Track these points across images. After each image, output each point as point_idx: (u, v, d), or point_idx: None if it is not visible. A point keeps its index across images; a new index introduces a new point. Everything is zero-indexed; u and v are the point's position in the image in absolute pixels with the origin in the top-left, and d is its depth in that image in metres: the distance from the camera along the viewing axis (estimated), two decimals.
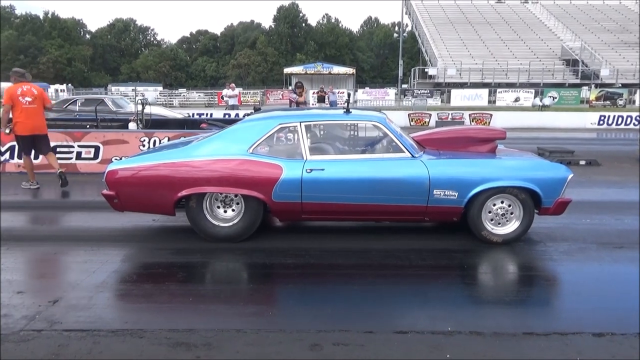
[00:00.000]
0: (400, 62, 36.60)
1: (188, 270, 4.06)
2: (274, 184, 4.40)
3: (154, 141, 8.06)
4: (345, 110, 4.86)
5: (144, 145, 8.03)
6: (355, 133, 5.34)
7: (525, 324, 3.14)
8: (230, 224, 4.62)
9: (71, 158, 8.14)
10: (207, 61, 74.96)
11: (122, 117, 11.52)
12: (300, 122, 4.63)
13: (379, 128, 4.72)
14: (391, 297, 3.57)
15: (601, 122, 19.36)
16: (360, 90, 32.32)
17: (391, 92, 31.84)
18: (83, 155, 8.12)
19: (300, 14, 75.21)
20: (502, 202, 4.58)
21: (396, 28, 71.50)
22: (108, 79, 68.81)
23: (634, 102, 27.76)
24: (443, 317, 3.21)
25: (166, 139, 8.07)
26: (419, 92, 29.08)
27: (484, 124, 18.76)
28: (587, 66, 33.61)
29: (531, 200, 4.56)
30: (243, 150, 4.50)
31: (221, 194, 4.60)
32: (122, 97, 19.82)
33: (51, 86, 53.08)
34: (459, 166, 4.60)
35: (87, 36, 78.38)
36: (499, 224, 4.61)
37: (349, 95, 6.01)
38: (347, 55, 71.01)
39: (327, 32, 73.87)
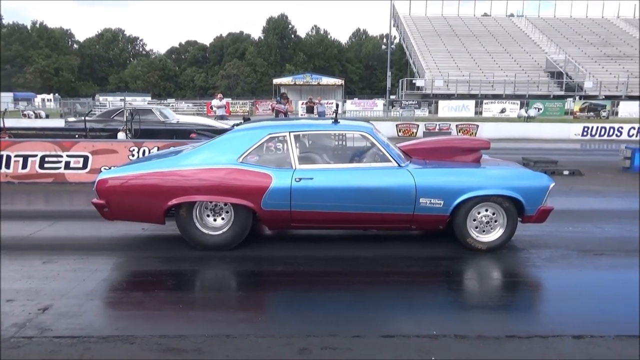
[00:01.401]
0: (389, 73, 36.96)
1: (177, 278, 4.10)
2: (263, 192, 4.45)
3: (144, 151, 8.08)
4: (333, 120, 4.95)
5: (133, 155, 8.05)
6: (343, 143, 5.44)
7: (508, 328, 3.23)
8: (220, 232, 4.66)
9: (59, 168, 8.12)
10: (196, 71, 74.92)
11: (170, 127, 11.50)
12: (290, 132, 4.70)
13: (367, 138, 4.82)
14: (378, 302, 3.64)
15: (585, 133, 19.73)
16: (348, 101, 32.60)
17: (379, 103, 32.16)
18: (72, 165, 8.10)
19: (290, 26, 75.70)
20: (486, 210, 4.68)
21: (384, 40, 72.30)
22: (96, 88, 68.39)
23: (616, 113, 28.35)
24: (429, 322, 3.29)
25: (155, 148, 8.09)
26: (407, 103, 29.41)
27: (470, 135, 19.01)
28: (571, 78, 34.28)
29: (514, 208, 4.67)
30: (233, 159, 4.56)
31: (211, 202, 4.65)
32: (166, 107, 19.86)
33: (38, 96, 52.73)
34: (445, 175, 4.71)
35: (75, 46, 78.02)
36: (484, 231, 4.71)
37: (337, 105, 6.11)
38: (336, 66, 71.50)
39: (316, 43, 74.38)
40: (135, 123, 10.08)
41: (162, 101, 44.53)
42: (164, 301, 3.62)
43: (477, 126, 19.99)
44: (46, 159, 8.04)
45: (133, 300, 3.66)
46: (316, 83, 39.88)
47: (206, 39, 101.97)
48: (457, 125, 19.96)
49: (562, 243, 5.07)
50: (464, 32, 43.55)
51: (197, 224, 4.65)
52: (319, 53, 72.49)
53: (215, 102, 18.68)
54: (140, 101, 42.52)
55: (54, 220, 5.85)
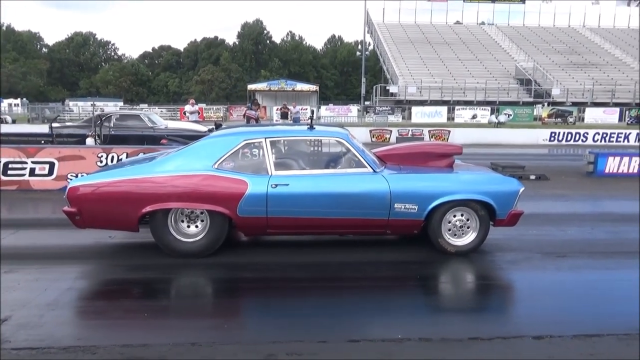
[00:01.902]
0: (363, 79, 37.28)
1: (143, 286, 4.05)
2: (239, 199, 4.43)
3: (112, 157, 7.94)
4: (309, 126, 4.97)
5: (101, 162, 7.90)
6: (319, 149, 5.46)
7: (472, 330, 3.30)
8: (196, 239, 4.61)
9: (24, 175, 7.90)
10: (170, 77, 74.11)
11: (159, 133, 11.31)
12: (265, 138, 4.69)
13: (342, 144, 4.85)
14: (346, 307, 3.67)
15: (552, 139, 20.29)
16: (323, 107, 32.73)
17: (354, 108, 32.41)
18: (37, 172, 7.89)
19: (265, 31, 75.68)
20: (460, 215, 4.78)
21: (359, 46, 72.92)
22: (65, 93, 66.89)
23: (583, 119, 29.24)
24: (395, 326, 3.33)
25: (125, 154, 7.97)
26: (381, 109, 29.71)
27: (442, 140, 19.32)
28: (539, 85, 35.23)
29: (486, 212, 4.78)
30: (208, 165, 4.52)
31: (186, 209, 4.60)
32: (154, 113, 19.41)
33: (4, 100, 51.18)
34: (419, 180, 4.79)
35: (44, 50, 76.21)
36: (457, 235, 4.80)
37: (312, 112, 6.12)
38: (311, 72, 71.75)
39: (292, 49, 74.57)
40: (105, 128, 9.90)
41: (135, 107, 43.83)
42: (129, 310, 3.56)
43: (449, 132, 20.33)
44: (10, 166, 7.82)
45: (97, 309, 3.60)
46: (291, 89, 39.94)
47: (180, 44, 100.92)
48: (429, 131, 20.26)
49: (525, 246, 5.21)
50: (436, 39, 44.31)
51: (172, 231, 4.60)
52: (294, 59, 72.67)
53: (188, 107, 18.55)
54: (111, 106, 41.76)
55: (17, 228, 5.69)
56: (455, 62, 39.73)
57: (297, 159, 5.04)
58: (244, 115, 9.45)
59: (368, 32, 46.75)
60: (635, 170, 10.43)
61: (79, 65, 75.61)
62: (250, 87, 42.38)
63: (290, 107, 23.10)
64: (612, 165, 10.53)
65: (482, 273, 4.56)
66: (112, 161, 7.89)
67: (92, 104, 38.33)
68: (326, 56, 79.53)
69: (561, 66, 39.18)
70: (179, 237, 4.60)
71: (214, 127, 9.86)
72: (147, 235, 4.71)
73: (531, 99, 33.85)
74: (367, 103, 35.94)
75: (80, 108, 37.16)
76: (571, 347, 3.12)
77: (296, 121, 22.00)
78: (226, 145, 4.66)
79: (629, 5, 47.74)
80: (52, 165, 7.89)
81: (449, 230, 4.78)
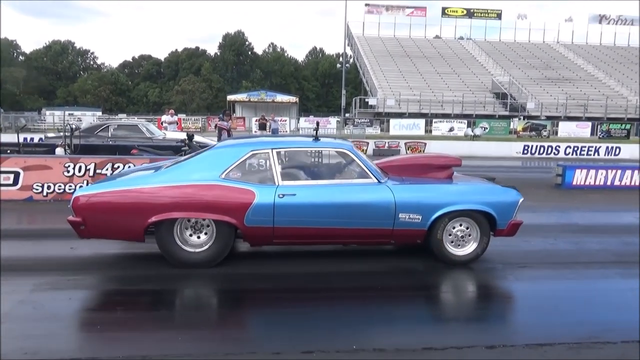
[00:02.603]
0: (343, 91, 37.60)
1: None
2: (246, 209, 4.44)
3: (79, 167, 7.83)
4: (314, 137, 5.05)
5: (68, 172, 7.78)
6: (324, 160, 5.52)
7: (426, 340, 3.32)
8: (202, 249, 4.59)
9: None
10: (150, 86, 73.52)
11: (158, 144, 11.18)
12: (272, 149, 4.74)
13: (347, 155, 4.93)
14: (303, 319, 3.68)
15: (525, 152, 20.71)
16: (302, 119, 32.83)
17: (333, 120, 32.61)
18: (1, 181, 7.72)
19: (246, 42, 75.85)
20: (461, 225, 4.87)
21: (340, 59, 73.61)
22: (42, 102, 65.71)
23: (556, 133, 29.90)
24: (349, 336, 3.34)
25: (93, 164, 7.88)
26: (359, 121, 29.92)
27: (418, 152, 19.53)
28: (515, 99, 35.97)
29: (487, 222, 4.88)
30: (215, 175, 4.53)
31: (192, 219, 4.58)
32: (151, 122, 19.10)
33: None
34: (423, 191, 4.88)
35: (21, 58, 74.96)
36: (459, 245, 4.90)
37: (317, 123, 6.18)
38: (292, 84, 72.04)
39: (273, 60, 74.81)
40: (76, 138, 9.76)
41: (114, 116, 43.31)
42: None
43: (425, 144, 20.59)
44: None
45: (50, 318, 3.52)
46: (271, 100, 40.03)
47: (161, 54, 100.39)
48: (405, 143, 20.48)
49: (488, 257, 5.26)
50: (415, 53, 45.00)
51: (178, 242, 4.57)
52: (275, 70, 72.91)
53: (166, 117, 18.38)
54: (89, 116, 41.14)
55: None
56: (433, 75, 40.37)
57: (303, 169, 5.12)
58: (216, 126, 9.40)
59: (348, 45, 47.29)
60: (602, 183, 10.71)
61: (56, 74, 74.48)
62: (230, 97, 42.35)
63: (269, 119, 23.12)
64: (579, 177, 10.79)
65: (439, 283, 4.61)
66: (79, 171, 7.79)
67: (70, 114, 37.75)
68: (307, 68, 79.97)
69: (536, 81, 40.11)
70: (184, 247, 4.58)
71: (186, 138, 9.83)
72: (126, 246, 4.64)
73: (507, 113, 34.52)
74: (347, 115, 36.19)
75: (56, 117, 36.52)
76: (522, 355, 3.17)
77: (275, 132, 22.02)
78: (233, 155, 4.69)
79: (600, 23, 49.24)
80: (17, 175, 7.73)
81: (451, 240, 4.87)
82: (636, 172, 10.92)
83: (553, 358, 3.14)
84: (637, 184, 10.83)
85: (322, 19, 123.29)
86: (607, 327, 3.61)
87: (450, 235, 4.86)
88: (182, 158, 5.30)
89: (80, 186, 7.28)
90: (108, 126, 13.06)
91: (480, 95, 36.76)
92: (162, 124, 20.92)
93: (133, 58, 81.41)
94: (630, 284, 4.61)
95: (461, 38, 50.45)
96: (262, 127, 21.89)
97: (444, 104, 34.59)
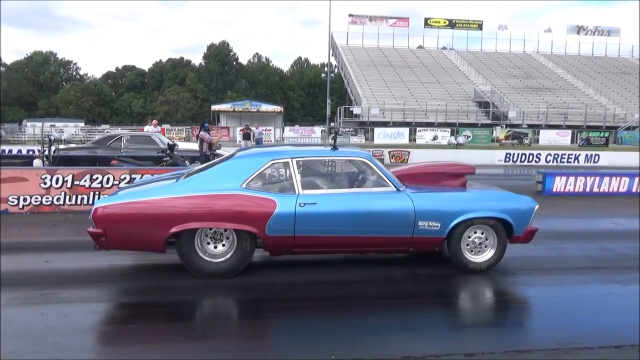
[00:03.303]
0: (328, 101, 37.68)
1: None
2: (268, 218, 4.44)
3: (57, 179, 7.69)
4: (332, 147, 5.08)
5: (45, 184, 7.64)
6: (343, 168, 5.53)
7: (405, 349, 3.29)
8: (222, 259, 4.58)
9: None
10: (134, 97, 72.91)
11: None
12: (292, 158, 4.75)
13: (366, 164, 4.96)
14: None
15: (507, 159, 20.97)
16: (287, 128, 32.84)
17: (317, 129, 32.67)
18: None
19: (231, 53, 75.85)
20: (478, 232, 4.91)
21: (325, 68, 74.03)
22: (23, 114, 64.75)
23: (538, 141, 30.35)
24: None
25: (71, 176, 7.75)
26: (344, 130, 30.03)
27: (402, 161, 19.65)
28: (497, 108, 36.47)
29: (504, 229, 4.92)
30: (237, 185, 4.53)
31: (211, 229, 4.56)
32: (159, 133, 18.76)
33: None
34: (441, 199, 4.92)
35: (2, 69, 73.91)
36: (475, 252, 4.93)
37: (335, 133, 6.20)
38: (278, 93, 72.09)
39: (258, 70, 74.86)
40: (84, 150, 9.62)
41: (97, 127, 42.82)
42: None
43: (409, 152, 20.71)
44: None
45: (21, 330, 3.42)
46: (256, 110, 39.98)
47: (145, 64, 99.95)
48: (389, 152, 20.58)
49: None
50: (399, 63, 45.44)
51: (199, 252, 4.55)
52: (260, 80, 72.93)
53: (149, 128, 18.25)
54: (72, 127, 40.62)
55: None
56: (417, 84, 40.77)
57: (322, 178, 5.17)
58: (197, 137, 9.31)
59: (333, 55, 47.56)
60: (580, 189, 10.86)
61: (38, 85, 73.55)
62: (215, 107, 42.19)
63: (253, 128, 23.08)
64: (559, 184, 10.93)
65: (423, 290, 4.59)
66: (56, 183, 7.65)
67: (51, 125, 37.15)
68: (293, 78, 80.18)
69: (517, 90, 40.75)
70: (205, 257, 4.56)
71: (166, 148, 9.76)
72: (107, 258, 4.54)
73: (489, 121, 34.96)
74: (332, 124, 36.32)
75: (37, 129, 35.96)
76: None
77: (259, 142, 21.97)
78: (254, 165, 4.69)
79: (578, 33, 50.34)
80: None
81: (468, 247, 4.91)
82: (614, 178, 11.11)
83: None
84: (615, 190, 11.01)
85: (306, 30, 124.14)
86: (584, 332, 3.63)
87: (467, 242, 4.90)
88: (199, 167, 5.29)
89: (98, 197, 7.40)
90: (121, 137, 12.76)
91: (463, 104, 37.21)
92: None
93: (117, 68, 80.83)
94: (608, 289, 4.66)
95: (444, 48, 51.12)
96: (246, 136, 21.82)
97: (428, 113, 34.91)
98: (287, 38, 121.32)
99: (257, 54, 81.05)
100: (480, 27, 50.11)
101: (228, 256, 4.58)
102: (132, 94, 73.62)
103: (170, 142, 9.85)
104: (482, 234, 4.92)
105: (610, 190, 11.01)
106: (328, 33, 40.67)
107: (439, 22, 49.72)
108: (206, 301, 4.28)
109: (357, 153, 5.16)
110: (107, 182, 7.89)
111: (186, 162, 9.59)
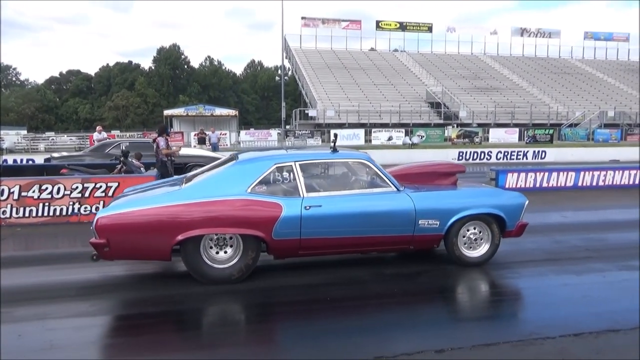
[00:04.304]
0: (283, 104, 37.57)
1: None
2: (274, 222, 4.45)
3: (2, 190, 7.26)
4: (332, 149, 5.12)
5: None
6: (344, 170, 5.54)
7: (377, 350, 3.31)
8: (229, 264, 4.57)
9: None
10: (80, 102, 70.07)
11: (176, 160, 10.49)
12: (295, 162, 4.77)
13: (366, 165, 5.04)
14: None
15: (460, 158, 21.58)
16: (243, 132, 32.45)
17: (274, 132, 32.44)
18: None
19: (182, 56, 74.30)
20: (474, 228, 5.10)
21: (279, 71, 73.83)
22: None
23: (488, 139, 31.44)
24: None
25: (17, 187, 7.33)
26: (300, 133, 30.03)
27: None
28: (448, 108, 37.51)
29: (498, 225, 5.11)
30: (242, 190, 4.52)
31: (216, 235, 4.53)
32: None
33: None
34: (439, 197, 5.09)
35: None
36: (471, 247, 5.12)
37: (335, 135, 6.10)
38: (231, 97, 71.22)
39: (210, 74, 73.69)
40: (87, 156, 9.07)
41: (41, 135, 40.81)
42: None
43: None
44: None
45: None
46: (210, 114, 39.22)
47: (91, 69, 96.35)
48: None
49: (428, 260, 5.41)
50: (352, 65, 45.92)
51: (205, 258, 4.48)
52: (213, 84, 71.84)
53: (95, 135, 17.67)
54: (13, 135, 38.51)
55: None
56: (370, 86, 41.34)
57: (324, 181, 5.22)
58: (154, 141, 9.02)
59: (286, 58, 47.51)
60: (531, 185, 11.33)
61: None
62: (167, 112, 41.13)
63: (209, 132, 22.71)
64: (511, 180, 11.36)
65: (389, 289, 4.64)
66: (1, 195, 7.22)
67: None
68: (246, 81, 79.51)
69: (466, 90, 42.09)
70: (211, 263, 4.54)
71: (120, 154, 9.41)
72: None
73: (441, 121, 35.89)
74: (287, 127, 36.22)
75: None
76: (470, 356, 3.24)
77: (215, 147, 21.61)
78: (258, 169, 4.69)
79: (522, 35, 52.58)
80: None
81: (465, 243, 5.08)
82: (561, 173, 11.67)
83: (497, 355, 3.23)
84: (562, 185, 11.57)
85: (259, 33, 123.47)
86: (546, 323, 3.78)
87: (464, 238, 5.08)
88: (197, 172, 5.26)
89: (98, 207, 7.25)
90: (120, 144, 12.08)
91: (416, 104, 38.04)
92: (94, 141, 20.00)
93: (61, 73, 77.49)
94: (563, 280, 4.87)
95: (395, 50, 52.10)
96: (201, 141, 21.44)
97: (382, 114, 35.47)
98: (239, 41, 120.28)
99: (209, 57, 79.92)
100: (430, 29, 51.42)
101: (235, 261, 4.58)
102: (78, 100, 70.79)
103: (124, 149, 9.50)
104: (477, 229, 5.14)
105: (558, 185, 11.55)
106: (281, 36, 40.68)
107: (390, 24, 50.63)
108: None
109: (356, 155, 5.29)
110: (58, 192, 7.52)
111: (141, 169, 9.29)
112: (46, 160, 13.59)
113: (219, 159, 7.24)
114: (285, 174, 5.06)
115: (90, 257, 4.48)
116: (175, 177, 5.72)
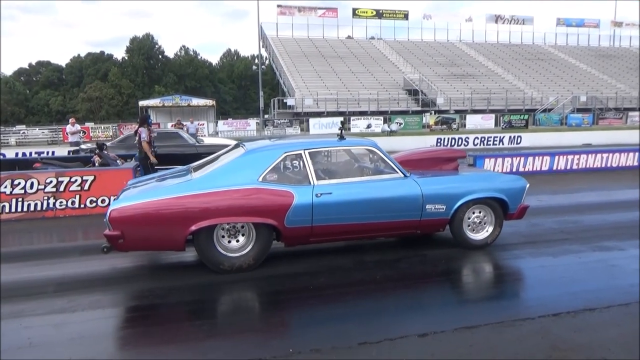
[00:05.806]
0: (261, 93, 37.30)
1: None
2: (287, 210, 4.51)
3: None
4: (339, 137, 5.15)
5: None
6: (352, 158, 5.56)
7: (359, 336, 3.33)
8: (242, 253, 4.62)
9: None
10: (52, 94, 68.23)
11: (202, 150, 10.77)
12: (304, 150, 4.83)
13: (373, 152, 5.14)
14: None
15: (438, 144, 21.79)
16: (220, 122, 32.09)
17: (252, 122, 32.18)
18: None
19: (157, 46, 72.84)
20: (478, 212, 5.24)
21: (256, 60, 73.05)
22: None
23: (465, 125, 31.82)
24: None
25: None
26: (279, 122, 29.88)
27: None
28: (425, 95, 37.76)
29: (500, 208, 5.25)
30: (254, 179, 4.56)
31: (228, 224, 4.57)
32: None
33: None
34: (445, 182, 5.22)
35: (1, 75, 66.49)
36: (475, 230, 5.27)
37: (342, 123, 6.11)
38: (208, 87, 70.24)
39: (186, 64, 72.44)
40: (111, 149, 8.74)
41: (11, 128, 39.62)
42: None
43: None
44: None
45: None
46: (186, 104, 38.62)
47: (62, 60, 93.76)
48: None
49: (407, 245, 5.47)
50: (329, 53, 45.71)
51: (219, 247, 4.57)
52: (189, 74, 70.69)
53: (69, 128, 17.25)
54: None
55: None
56: (348, 74, 41.27)
57: (334, 168, 5.25)
58: (136, 132, 8.75)
59: (263, 47, 47.05)
60: (508, 169, 11.53)
61: None
62: (142, 103, 40.28)
63: (187, 123, 22.36)
64: (488, 165, 11.52)
65: (359, 279, 4.67)
66: None
67: None
68: (223, 70, 78.50)
69: (443, 77, 42.40)
70: (225, 252, 4.59)
71: (95, 147, 9.21)
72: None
73: (419, 108, 36.12)
74: (266, 116, 35.98)
75: None
76: (453, 340, 3.29)
77: (193, 136, 21.29)
78: (268, 158, 4.72)
79: (496, 22, 53.07)
80: None
81: (469, 226, 5.21)
82: (537, 157, 11.90)
83: (480, 339, 3.30)
84: (538, 169, 11.80)
85: (235, 21, 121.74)
86: (524, 304, 3.87)
87: (469, 220, 5.21)
88: (203, 162, 5.28)
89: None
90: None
91: (394, 92, 38.16)
92: (67, 134, 19.53)
93: (30, 65, 75.20)
94: (540, 262, 4.98)
95: (372, 38, 52.01)
96: None
97: (360, 102, 35.50)
98: (214, 30, 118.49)
99: (184, 46, 78.74)
100: (406, 17, 51.44)
101: (248, 250, 4.63)
102: (49, 92, 68.95)
103: (100, 142, 9.29)
104: (481, 213, 5.27)
105: (534, 169, 11.78)
106: (257, 24, 40.22)
107: (366, 12, 50.46)
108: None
109: (363, 142, 5.37)
110: (31, 187, 7.33)
111: (118, 161, 9.10)
112: (75, 152, 13.21)
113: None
114: (295, 162, 5.08)
115: (100, 249, 4.48)
116: (181, 167, 5.72)
